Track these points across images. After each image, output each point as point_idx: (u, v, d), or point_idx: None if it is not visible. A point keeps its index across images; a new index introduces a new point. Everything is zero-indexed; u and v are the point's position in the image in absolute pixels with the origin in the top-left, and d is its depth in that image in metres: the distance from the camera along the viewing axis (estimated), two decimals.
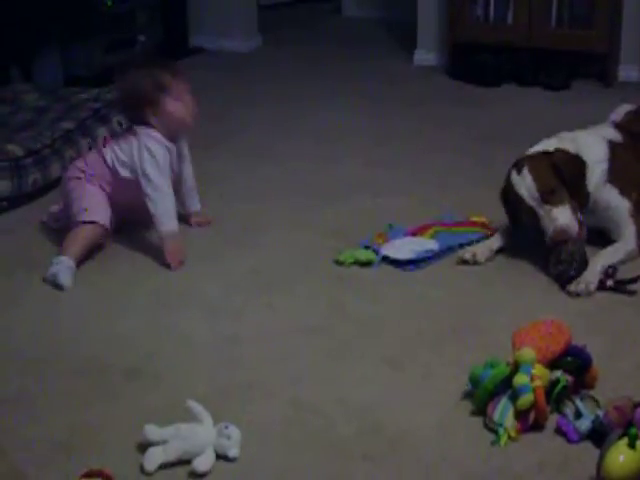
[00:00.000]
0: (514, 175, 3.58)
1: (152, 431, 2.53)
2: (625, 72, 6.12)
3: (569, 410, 2.64)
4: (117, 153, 3.79)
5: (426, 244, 3.72)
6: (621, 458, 2.23)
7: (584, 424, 2.58)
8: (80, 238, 3.66)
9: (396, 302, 3.39)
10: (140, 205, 3.73)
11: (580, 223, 3.52)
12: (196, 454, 2.49)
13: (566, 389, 2.68)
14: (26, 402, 2.81)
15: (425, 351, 3.06)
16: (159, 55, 3.88)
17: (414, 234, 3.81)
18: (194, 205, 4.05)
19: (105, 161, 3.80)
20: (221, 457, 2.52)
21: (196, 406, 2.57)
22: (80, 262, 3.62)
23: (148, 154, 3.71)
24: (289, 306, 3.37)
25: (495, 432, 2.61)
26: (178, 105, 3.77)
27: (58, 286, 3.49)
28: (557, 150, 3.59)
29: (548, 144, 3.66)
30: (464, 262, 3.64)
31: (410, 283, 3.52)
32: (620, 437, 2.30)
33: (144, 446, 2.53)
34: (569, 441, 2.58)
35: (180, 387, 2.85)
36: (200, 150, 4.87)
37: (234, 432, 2.52)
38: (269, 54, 6.94)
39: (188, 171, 4.01)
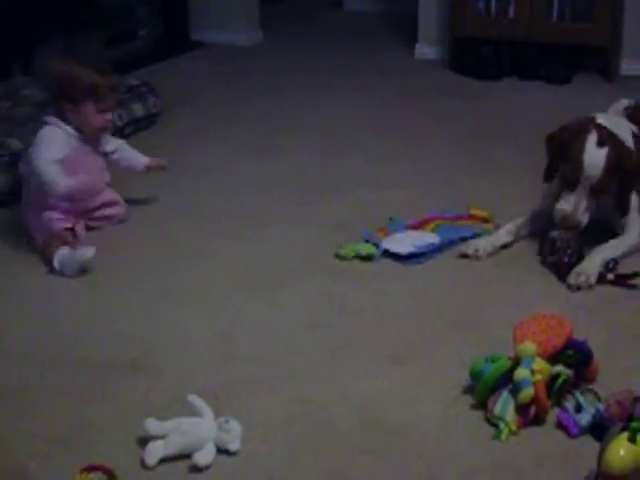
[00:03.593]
0: (592, 143, 3.47)
1: (153, 425, 2.53)
2: (627, 66, 6.10)
3: (570, 404, 2.64)
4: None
5: (427, 238, 3.72)
6: (622, 452, 2.23)
7: (585, 418, 2.59)
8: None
9: (397, 296, 3.39)
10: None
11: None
12: (197, 448, 2.49)
13: (567, 383, 2.68)
14: (27, 397, 2.81)
15: (426, 345, 3.06)
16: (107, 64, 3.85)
17: (415, 228, 3.81)
18: (141, 159, 4.05)
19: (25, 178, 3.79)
20: (222, 451, 2.52)
21: (197, 400, 2.58)
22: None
23: (41, 141, 3.70)
24: (290, 301, 3.37)
25: (496, 426, 2.61)
26: (97, 118, 3.75)
27: (88, 264, 3.52)
28: (629, 147, 3.54)
29: (612, 123, 3.60)
30: (465, 256, 3.63)
31: (411, 277, 3.52)
32: (621, 431, 2.29)
33: (145, 440, 2.53)
34: (570, 435, 2.59)
35: (181, 382, 2.85)
36: (201, 144, 4.88)
37: (235, 426, 2.52)
38: (270, 48, 6.93)
39: (126, 153, 4.02)
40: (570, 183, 3.51)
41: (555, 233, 3.53)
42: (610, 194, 3.57)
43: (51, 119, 3.76)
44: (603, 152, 3.47)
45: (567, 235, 3.49)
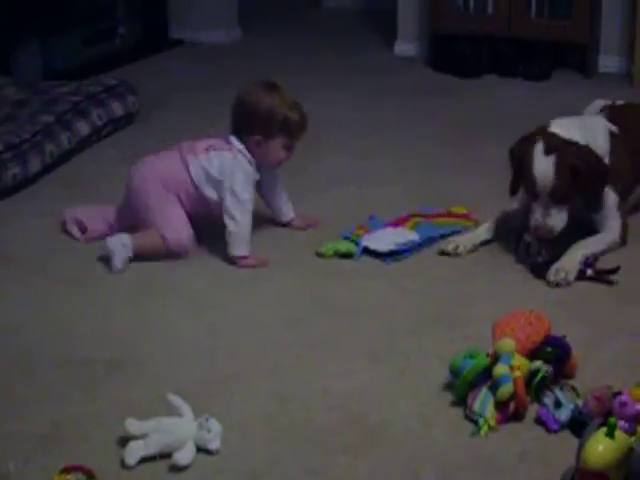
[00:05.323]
0: (540, 152, 3.46)
1: (133, 425, 2.53)
2: (605, 62, 6.12)
3: (549, 400, 2.65)
4: (206, 168, 3.64)
5: (407, 235, 3.72)
6: (600, 447, 2.23)
7: (564, 414, 2.60)
8: (153, 243, 3.61)
9: (376, 293, 3.40)
10: (204, 218, 3.74)
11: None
12: (177, 448, 2.49)
13: (546, 379, 2.69)
14: (7, 395, 2.80)
15: (405, 342, 3.07)
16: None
17: (395, 225, 3.82)
18: (290, 213, 3.93)
19: (190, 175, 3.65)
20: (202, 450, 2.52)
21: (176, 400, 2.57)
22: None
23: (243, 174, 3.62)
24: (270, 298, 3.38)
25: (475, 422, 2.62)
26: (282, 152, 3.71)
27: (110, 265, 3.52)
28: (587, 150, 3.52)
29: (570, 128, 3.57)
30: (445, 254, 3.64)
31: (390, 274, 3.52)
32: (599, 426, 2.30)
33: (125, 440, 2.53)
34: (549, 431, 2.60)
35: (162, 380, 2.85)
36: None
37: (215, 425, 2.52)
38: (249, 46, 6.91)
39: (280, 190, 3.90)
40: (532, 195, 3.52)
41: (529, 236, 3.54)
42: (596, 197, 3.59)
43: (242, 150, 3.66)
44: (551, 160, 3.45)
45: (541, 240, 3.51)
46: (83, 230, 3.79)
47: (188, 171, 3.66)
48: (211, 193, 3.66)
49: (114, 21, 6.52)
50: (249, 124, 3.68)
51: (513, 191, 3.66)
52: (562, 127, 3.58)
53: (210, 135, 3.83)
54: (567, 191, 3.47)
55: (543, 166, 3.46)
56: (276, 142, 3.68)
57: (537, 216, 3.49)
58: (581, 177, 3.46)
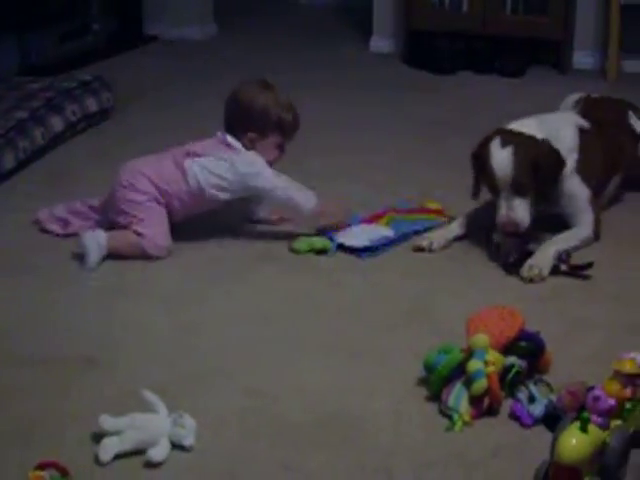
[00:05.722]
0: (496, 146, 3.50)
1: (107, 421, 2.52)
2: (580, 59, 6.15)
3: (523, 395, 2.66)
4: (207, 172, 3.62)
5: (381, 231, 3.73)
6: (573, 441, 2.25)
7: (538, 408, 2.61)
8: (129, 243, 3.57)
9: (351, 289, 3.40)
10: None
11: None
12: (151, 444, 2.48)
13: (520, 374, 2.70)
14: None
15: (380, 338, 3.08)
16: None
17: (369, 221, 3.82)
18: (263, 210, 3.92)
19: (187, 180, 3.62)
20: (176, 447, 2.51)
21: (151, 396, 2.57)
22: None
23: (258, 162, 3.62)
24: (245, 294, 3.37)
25: (450, 418, 2.63)
26: (274, 152, 3.71)
27: (84, 262, 3.50)
28: (544, 142, 3.53)
29: (529, 126, 3.60)
30: (420, 249, 3.64)
31: (365, 270, 3.53)
32: (573, 421, 2.32)
33: (99, 436, 2.52)
34: (523, 425, 2.61)
35: (136, 376, 2.84)
36: (155, 140, 4.85)
37: (189, 421, 2.52)
38: (225, 42, 6.90)
39: None
40: (493, 192, 3.54)
41: (498, 236, 3.55)
42: (555, 189, 3.60)
43: (241, 148, 3.66)
44: (507, 152, 3.46)
45: (509, 236, 3.51)
46: (64, 226, 3.77)
47: (182, 172, 3.63)
48: (215, 195, 3.64)
49: (88, 17, 6.49)
50: (243, 122, 3.67)
51: (474, 194, 3.68)
52: (520, 126, 3.61)
53: (203, 137, 3.79)
54: (527, 181, 3.47)
55: (500, 159, 3.48)
56: (269, 141, 3.68)
57: (502, 212, 3.50)
58: (538, 167, 3.47)
